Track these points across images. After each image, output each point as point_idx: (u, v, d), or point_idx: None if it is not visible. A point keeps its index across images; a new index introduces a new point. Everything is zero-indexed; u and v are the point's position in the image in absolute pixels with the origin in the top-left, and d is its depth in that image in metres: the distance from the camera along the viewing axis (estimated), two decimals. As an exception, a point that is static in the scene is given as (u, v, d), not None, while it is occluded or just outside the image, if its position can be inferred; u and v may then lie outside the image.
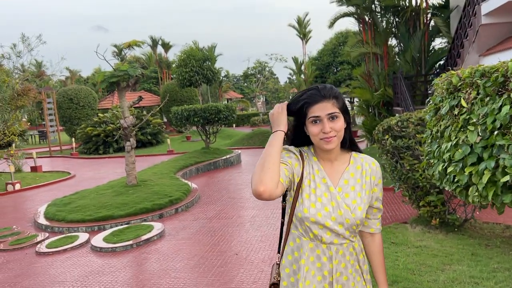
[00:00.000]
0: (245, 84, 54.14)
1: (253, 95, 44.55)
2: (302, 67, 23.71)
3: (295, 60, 23.61)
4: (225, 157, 15.42)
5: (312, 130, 1.76)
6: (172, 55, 57.58)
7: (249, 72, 44.53)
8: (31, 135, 34.26)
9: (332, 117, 1.74)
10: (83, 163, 20.03)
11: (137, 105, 32.51)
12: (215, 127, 16.28)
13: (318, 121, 1.75)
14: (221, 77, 16.01)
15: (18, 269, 6.09)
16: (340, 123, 1.76)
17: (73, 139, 25.07)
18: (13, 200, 11.86)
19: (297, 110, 1.80)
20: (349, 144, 1.88)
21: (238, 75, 57.26)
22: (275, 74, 58.41)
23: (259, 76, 45.07)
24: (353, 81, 18.10)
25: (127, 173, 9.95)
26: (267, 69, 44.30)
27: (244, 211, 8.59)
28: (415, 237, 5.82)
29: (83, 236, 7.28)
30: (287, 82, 58.99)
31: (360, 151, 1.93)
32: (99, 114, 25.73)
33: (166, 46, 37.13)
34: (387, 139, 6.15)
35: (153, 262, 5.96)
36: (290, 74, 62.71)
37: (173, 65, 19.11)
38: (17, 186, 13.25)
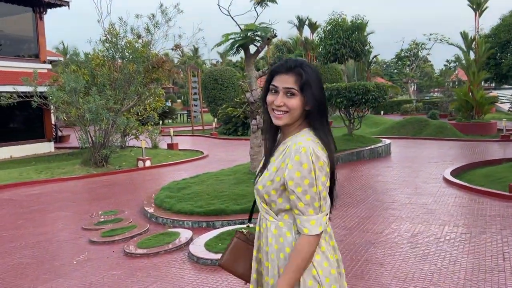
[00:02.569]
0: (395, 70, 49.36)
1: (406, 80, 40.06)
2: (473, 45, 19.48)
3: (464, 35, 19.50)
4: (371, 147, 12.89)
5: (268, 98, 1.76)
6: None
7: (403, 55, 40.15)
8: (180, 114, 35.72)
9: (288, 92, 1.70)
10: (220, 143, 19.32)
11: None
12: (362, 110, 13.80)
13: (275, 91, 1.73)
14: (371, 53, 13.47)
15: (87, 277, 4.71)
16: (294, 102, 1.70)
17: (215, 119, 24.84)
18: (139, 178, 11.18)
19: (267, 78, 1.78)
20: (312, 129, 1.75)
21: (388, 61, 52.66)
22: (429, 61, 52.36)
23: (413, 59, 40.41)
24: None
25: (251, 158, 8.25)
26: (424, 51, 39.43)
27: (398, 223, 6.17)
28: None
29: (185, 234, 5.72)
30: (447, 67, 52.41)
31: (319, 138, 1.71)
32: (242, 96, 25.06)
33: (313, 27, 35.11)
34: None
35: None
36: (447, 61, 55.69)
37: (317, 39, 17.00)
38: (148, 163, 12.68)
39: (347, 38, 13.22)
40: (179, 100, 51.04)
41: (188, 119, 33.99)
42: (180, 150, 16.13)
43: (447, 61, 55.29)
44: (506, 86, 36.62)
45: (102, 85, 12.15)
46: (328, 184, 1.69)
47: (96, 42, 12.78)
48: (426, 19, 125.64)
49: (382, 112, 30.24)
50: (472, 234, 5.49)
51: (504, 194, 7.37)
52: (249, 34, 7.61)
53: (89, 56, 12.49)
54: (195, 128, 25.48)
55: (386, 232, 5.74)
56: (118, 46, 12.81)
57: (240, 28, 7.60)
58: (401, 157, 12.75)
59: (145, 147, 14.76)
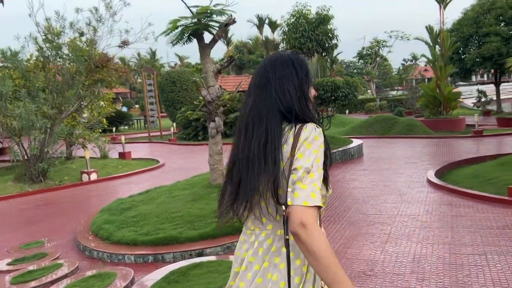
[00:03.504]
0: (355, 70, 49.00)
1: (368, 78, 39.75)
2: (439, 39, 18.89)
3: (429, 29, 18.90)
4: (343, 148, 11.82)
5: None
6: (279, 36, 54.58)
7: (364, 53, 39.86)
8: (137, 119, 33.86)
9: None
10: (179, 150, 17.85)
11: (240, 89, 30.19)
12: (331, 109, 12.74)
13: None
14: (338, 47, 12.44)
15: None
16: None
17: (174, 124, 23.34)
18: (82, 194, 9.64)
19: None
20: None
21: (348, 61, 52.27)
22: (388, 59, 52.44)
23: (374, 57, 40.13)
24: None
25: (211, 168, 6.92)
26: (385, 48, 39.25)
27: (393, 243, 5.02)
28: None
29: (123, 275, 4.34)
30: (405, 66, 52.72)
31: None
32: (201, 98, 23.66)
33: (273, 26, 34.16)
34: None
35: None
36: (404, 60, 56.10)
37: (279, 33, 15.79)
38: (93, 176, 11.11)
39: (313, 31, 12.11)
40: (137, 106, 49.03)
41: (146, 125, 32.21)
42: (133, 159, 14.58)
43: (404, 60, 55.81)
44: (461, 83, 36.90)
45: (37, 88, 10.51)
46: None
47: (25, 38, 11.09)
48: (388, 17, 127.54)
49: (347, 111, 29.49)
50: (488, 255, 4.40)
51: (504, 199, 6.39)
52: (202, 19, 6.30)
53: (18, 56, 10.79)
54: (152, 134, 23.87)
55: (381, 259, 4.56)
56: (56, 44, 11.19)
57: (192, 11, 6.27)
58: (375, 158, 11.75)
59: (93, 158, 13.18)
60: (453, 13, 42.55)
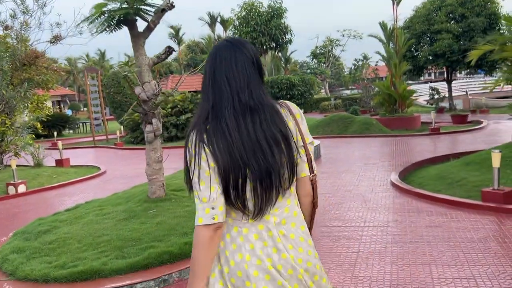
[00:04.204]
0: (308, 70, 48.82)
1: (322, 78, 39.58)
2: (393, 35, 18.62)
3: (383, 26, 18.60)
4: (300, 150, 11.07)
5: None
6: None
7: (318, 52, 39.67)
8: (83, 123, 31.90)
9: None
10: (125, 155, 16.57)
11: (192, 89, 28.88)
12: (287, 109, 11.96)
13: None
14: (292, 42, 11.71)
15: None
16: None
17: (122, 127, 21.92)
18: (4, 211, 8.31)
19: None
20: None
21: (302, 61, 52.07)
22: (339, 58, 52.70)
23: (328, 56, 40.02)
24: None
25: (149, 179, 5.90)
26: (339, 47, 39.21)
27: (363, 266, 4.23)
28: None
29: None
30: (356, 64, 53.09)
31: None
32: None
33: (226, 24, 33.21)
34: None
35: None
36: (355, 60, 56.64)
37: (230, 28, 14.78)
38: (21, 188, 9.76)
39: (266, 25, 11.29)
40: (85, 108, 46.76)
41: (102, 129, 30.29)
42: (72, 166, 13.22)
43: (356, 60, 56.33)
44: (410, 82, 37.45)
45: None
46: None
47: None
48: (341, 17, 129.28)
49: (302, 111, 29.02)
50: (478, 279, 3.68)
51: (478, 204, 5.78)
52: (134, 3, 5.28)
53: None
54: (98, 138, 22.35)
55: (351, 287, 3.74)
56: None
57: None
58: (332, 159, 11.08)
59: (24, 166, 11.81)
60: (405, 11, 43.30)
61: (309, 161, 1.60)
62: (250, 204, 1.49)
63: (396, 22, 19.01)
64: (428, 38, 22.64)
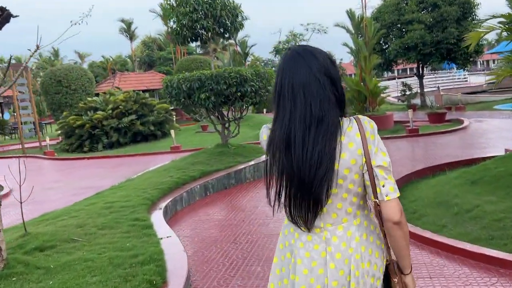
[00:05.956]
0: (273, 68, 46.69)
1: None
2: (361, 26, 16.65)
3: (351, 15, 16.60)
4: (255, 162, 8.81)
5: None
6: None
7: (281, 47, 37.69)
8: (15, 127, 28.46)
9: None
10: (52, 167, 13.93)
11: (142, 88, 26.13)
12: (238, 110, 9.66)
13: None
14: (244, 27, 9.65)
15: None
16: None
17: (59, 132, 19.11)
18: None
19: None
20: None
21: (266, 59, 49.91)
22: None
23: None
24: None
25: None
26: (302, 42, 37.26)
27: None
28: None
29: None
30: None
31: None
32: (88, 98, 19.60)
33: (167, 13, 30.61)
34: None
35: None
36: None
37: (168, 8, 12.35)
38: None
39: (209, 5, 8.95)
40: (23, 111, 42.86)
41: (35, 134, 27.07)
42: (-29, 186, 10.47)
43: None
44: (377, 79, 35.93)
45: None
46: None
47: None
48: (305, 10, 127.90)
49: (265, 111, 26.71)
50: None
51: (507, 260, 3.65)
52: None
53: None
54: (31, 145, 19.46)
55: None
56: None
57: None
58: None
59: None
60: (374, 1, 41.80)
61: (373, 186, 1.56)
62: (287, 210, 1.56)
63: (365, 9, 17.06)
64: (398, 30, 20.83)
